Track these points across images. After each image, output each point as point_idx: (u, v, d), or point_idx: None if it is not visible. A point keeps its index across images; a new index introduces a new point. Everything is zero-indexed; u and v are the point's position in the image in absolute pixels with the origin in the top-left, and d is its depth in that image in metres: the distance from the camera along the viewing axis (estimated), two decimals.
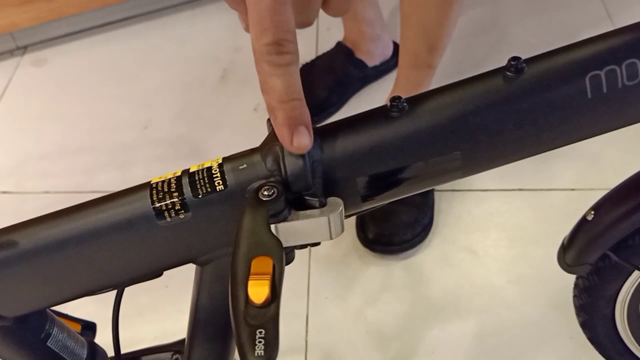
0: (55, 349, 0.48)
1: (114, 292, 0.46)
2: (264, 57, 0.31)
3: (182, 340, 0.62)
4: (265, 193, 0.35)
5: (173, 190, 0.38)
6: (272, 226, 0.35)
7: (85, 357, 0.52)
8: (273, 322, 0.31)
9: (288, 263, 0.40)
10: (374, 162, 0.37)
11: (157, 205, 0.38)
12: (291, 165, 0.35)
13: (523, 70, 0.36)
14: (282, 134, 0.33)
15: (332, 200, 0.35)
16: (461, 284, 1.07)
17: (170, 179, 0.38)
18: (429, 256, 1.10)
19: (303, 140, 0.33)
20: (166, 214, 0.38)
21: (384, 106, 0.37)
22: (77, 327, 0.65)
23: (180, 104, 1.43)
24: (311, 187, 0.36)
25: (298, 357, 1.00)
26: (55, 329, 0.48)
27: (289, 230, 0.36)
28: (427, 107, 0.36)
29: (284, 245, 0.35)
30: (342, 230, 0.36)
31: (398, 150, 0.36)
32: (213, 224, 0.39)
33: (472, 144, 0.36)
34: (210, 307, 0.45)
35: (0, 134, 1.43)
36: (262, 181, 0.36)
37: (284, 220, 0.35)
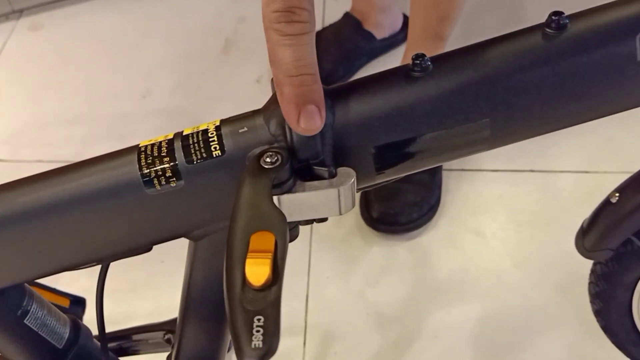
0: (33, 327, 0.45)
1: (99, 267, 0.42)
2: (273, 24, 0.28)
3: (175, 320, 0.58)
4: (268, 160, 0.31)
5: (164, 154, 0.33)
6: (275, 198, 0.31)
7: (67, 336, 0.48)
8: (274, 308, 0.26)
9: (291, 240, 0.36)
10: (391, 129, 0.32)
11: (146, 171, 0.34)
12: None
13: (565, 27, 0.31)
14: (288, 112, 0.29)
15: (343, 170, 0.31)
16: (466, 267, 1.03)
17: (161, 142, 0.34)
18: (434, 237, 1.07)
19: (312, 122, 0.29)
20: (155, 181, 0.34)
21: (406, 65, 0.33)
22: (65, 302, 0.61)
23: (181, 74, 1.38)
24: (320, 155, 0.32)
25: (297, 338, 0.97)
26: (34, 306, 0.44)
27: (293, 203, 0.32)
28: (455, 66, 0.32)
29: (288, 220, 0.30)
30: (353, 205, 0.32)
31: (419, 115, 0.32)
32: (208, 194, 0.35)
33: (503, 111, 0.32)
34: (204, 286, 0.41)
35: None
36: (265, 147, 0.32)
37: (289, 191, 0.31)
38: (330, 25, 1.34)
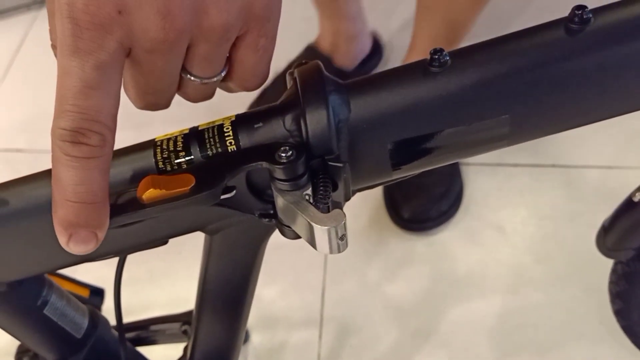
0: (52, 318, 0.45)
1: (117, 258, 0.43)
2: (56, 141, 0.26)
3: (191, 312, 0.59)
4: (283, 155, 0.30)
5: (179, 149, 0.33)
6: (279, 198, 0.31)
7: (86, 326, 0.49)
8: None
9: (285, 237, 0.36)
10: (408, 124, 0.32)
11: (162, 166, 0.34)
12: (313, 124, 0.31)
13: (589, 22, 0.30)
14: (58, 233, 0.27)
15: (336, 213, 0.30)
16: (486, 262, 1.02)
17: (176, 137, 0.34)
18: (453, 232, 1.06)
19: (82, 247, 0.27)
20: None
21: (423, 60, 0.32)
22: (84, 293, 0.62)
23: None
24: (335, 151, 0.31)
25: (312, 331, 0.97)
26: (54, 296, 0.45)
27: (287, 210, 0.31)
28: (474, 61, 0.31)
29: (284, 220, 0.31)
30: (339, 250, 0.31)
31: (437, 111, 0.31)
32: None
33: (524, 107, 0.31)
34: (219, 278, 0.42)
35: (16, 90, 1.41)
36: (280, 142, 0.32)
37: (300, 187, 0.31)
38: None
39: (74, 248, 0.27)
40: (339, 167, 0.31)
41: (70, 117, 0.25)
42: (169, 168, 0.33)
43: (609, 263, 0.71)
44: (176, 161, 0.33)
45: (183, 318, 0.64)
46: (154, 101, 0.30)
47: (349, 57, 1.18)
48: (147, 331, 0.66)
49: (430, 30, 0.98)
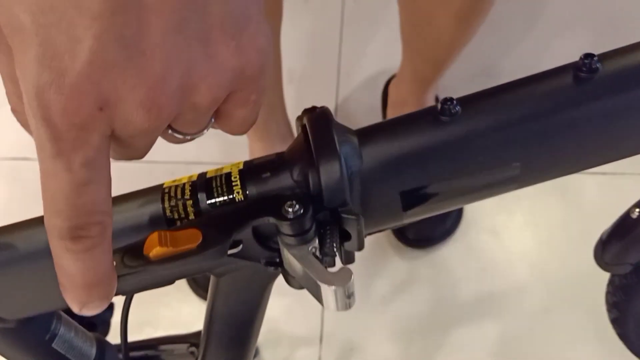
0: (61, 351, 0.45)
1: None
2: (54, 239, 0.25)
3: (199, 333, 0.59)
4: (290, 210, 0.30)
5: (187, 197, 0.34)
6: (285, 251, 0.31)
7: (94, 356, 0.49)
8: None
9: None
10: (420, 173, 0.32)
11: (169, 214, 0.34)
12: (326, 177, 0.31)
13: (597, 71, 0.31)
14: (70, 305, 0.27)
15: (344, 270, 0.30)
16: (486, 272, 1.04)
17: (184, 185, 0.34)
18: (454, 244, 1.08)
19: (93, 312, 0.27)
20: (179, 223, 0.34)
21: (433, 108, 0.32)
22: None
23: None
24: (348, 203, 0.31)
25: (312, 349, 0.98)
26: (62, 329, 0.45)
27: (292, 265, 0.31)
28: (484, 110, 0.32)
29: (290, 272, 0.31)
30: (346, 308, 0.31)
31: (449, 159, 0.32)
32: None
33: (534, 154, 0.32)
34: (225, 317, 0.42)
35: None
36: (287, 194, 0.32)
37: (307, 242, 0.31)
38: None
39: (87, 313, 0.27)
40: (353, 220, 0.31)
41: (66, 216, 0.24)
42: (176, 216, 0.34)
43: (604, 273, 0.72)
44: (184, 210, 0.33)
45: (190, 339, 0.65)
46: (131, 157, 0.28)
47: None
48: (155, 350, 0.66)
49: (415, 66, 1.01)
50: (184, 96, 0.24)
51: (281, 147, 1.12)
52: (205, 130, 0.28)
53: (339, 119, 1.34)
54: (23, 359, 0.45)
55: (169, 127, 0.27)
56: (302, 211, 0.30)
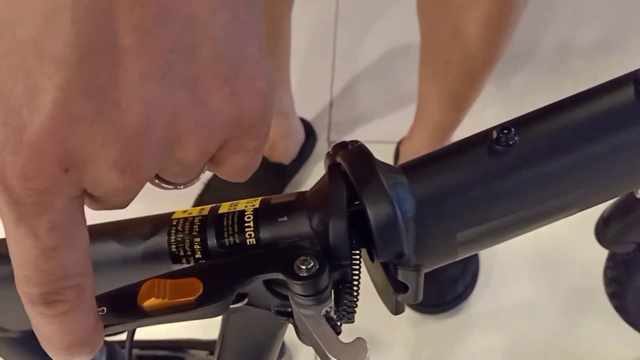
0: None
1: None
2: (27, 304, 0.23)
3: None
4: (303, 267, 0.27)
5: (195, 234, 0.30)
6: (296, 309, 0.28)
7: None
8: None
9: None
10: (479, 212, 0.29)
11: (174, 249, 0.31)
12: (378, 227, 0.27)
13: None
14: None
15: (358, 342, 0.27)
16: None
17: (194, 218, 0.31)
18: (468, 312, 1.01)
19: None
20: (184, 260, 0.31)
21: (488, 135, 0.29)
22: None
23: None
24: (405, 254, 0.28)
25: None
26: None
27: (305, 328, 0.28)
28: (542, 136, 0.29)
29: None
30: None
31: (509, 195, 0.29)
32: None
33: (599, 176, 0.29)
34: (237, 345, 0.40)
35: None
36: (301, 247, 0.28)
37: (321, 302, 0.27)
38: None
39: None
40: (415, 273, 0.27)
41: (36, 282, 0.22)
42: (182, 253, 0.31)
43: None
44: (190, 247, 0.30)
45: (210, 346, 0.64)
46: (110, 209, 0.25)
47: (287, 152, 1.14)
48: (178, 352, 0.66)
49: (437, 103, 0.93)
50: (167, 151, 0.21)
51: (282, 121, 1.10)
52: (196, 180, 0.25)
53: (336, 99, 1.29)
54: None
55: (156, 176, 0.24)
56: (317, 269, 0.27)
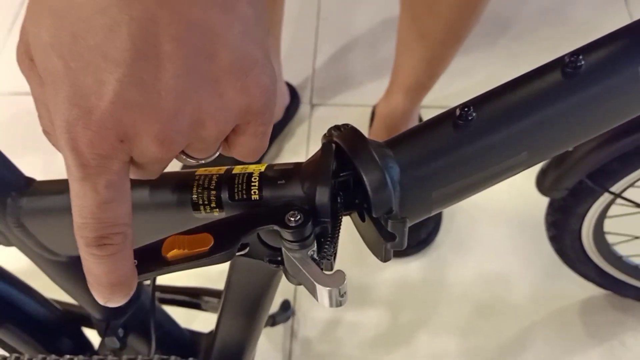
0: None
1: None
2: (82, 247, 0.29)
3: None
4: (292, 219, 0.34)
5: (212, 188, 0.38)
6: (286, 253, 0.36)
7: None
8: None
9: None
10: (448, 175, 0.37)
11: (195, 199, 0.39)
12: (373, 190, 0.34)
13: (582, 67, 0.37)
14: (96, 298, 0.31)
15: (338, 273, 0.34)
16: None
17: (212, 176, 0.39)
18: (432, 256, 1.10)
19: (117, 304, 0.31)
20: (202, 208, 0.39)
21: (452, 114, 0.37)
22: None
23: None
24: (394, 210, 0.35)
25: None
26: None
27: (293, 267, 0.36)
28: (495, 112, 0.37)
29: (290, 273, 0.37)
30: (339, 305, 0.35)
31: (471, 159, 0.37)
32: None
33: (538, 140, 0.38)
34: (239, 291, 0.49)
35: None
36: (294, 204, 0.36)
37: (306, 247, 0.35)
38: None
39: (112, 305, 0.31)
40: (400, 223, 0.34)
41: (93, 228, 0.28)
42: (201, 202, 0.39)
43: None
44: (207, 199, 0.39)
45: (219, 295, 0.72)
46: (147, 177, 0.31)
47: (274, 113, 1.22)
48: (194, 297, 0.75)
49: (411, 68, 1.02)
50: (193, 130, 0.28)
51: None
52: (214, 156, 0.32)
53: (319, 65, 1.36)
54: (71, 288, 0.53)
55: (182, 152, 0.30)
56: (302, 221, 0.34)
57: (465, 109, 0.36)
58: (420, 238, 1.10)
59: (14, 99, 1.35)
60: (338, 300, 0.33)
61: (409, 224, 0.36)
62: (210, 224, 0.34)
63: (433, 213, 0.40)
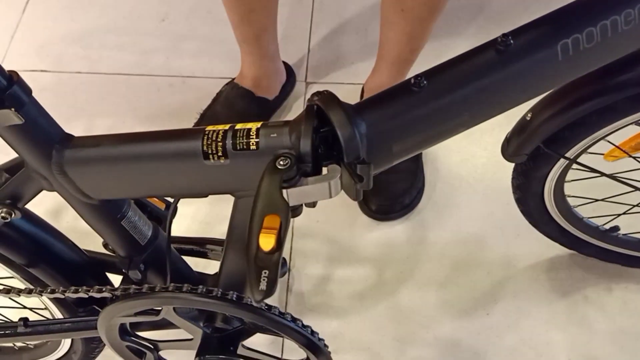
0: (127, 228, 0.63)
1: None
2: None
3: None
4: (281, 162, 0.44)
5: (219, 140, 0.48)
6: (284, 190, 0.45)
7: (149, 237, 0.66)
8: (275, 266, 0.41)
9: (296, 216, 0.51)
10: (404, 130, 0.46)
11: (205, 148, 0.48)
12: (346, 142, 0.44)
13: (511, 45, 0.46)
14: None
15: (331, 167, 0.44)
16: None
17: (219, 130, 0.49)
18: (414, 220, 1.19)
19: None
20: (211, 156, 0.48)
21: (407, 82, 0.46)
22: (162, 205, 0.76)
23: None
24: (362, 157, 0.44)
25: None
26: (130, 212, 0.63)
27: (296, 193, 0.45)
28: (442, 81, 0.46)
29: (293, 204, 0.44)
30: (338, 192, 0.44)
31: (423, 118, 0.46)
32: (246, 172, 0.49)
33: (477, 104, 0.47)
34: (241, 230, 0.57)
35: (39, 15, 1.47)
36: (284, 150, 0.46)
37: (294, 185, 0.44)
38: (221, 99, 1.31)
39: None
40: (366, 167, 0.44)
41: None
42: (209, 151, 0.48)
43: None
44: (215, 148, 0.48)
45: (222, 244, 0.75)
46: None
47: (270, 90, 1.30)
48: (202, 247, 0.83)
49: (394, 42, 1.11)
50: None
51: (268, 63, 1.27)
52: None
53: (313, 46, 1.44)
54: (101, 228, 0.63)
55: None
56: (288, 165, 0.44)
57: (419, 78, 0.46)
58: (404, 203, 1.20)
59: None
60: (337, 189, 0.43)
61: (374, 170, 0.46)
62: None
63: (394, 162, 0.49)
